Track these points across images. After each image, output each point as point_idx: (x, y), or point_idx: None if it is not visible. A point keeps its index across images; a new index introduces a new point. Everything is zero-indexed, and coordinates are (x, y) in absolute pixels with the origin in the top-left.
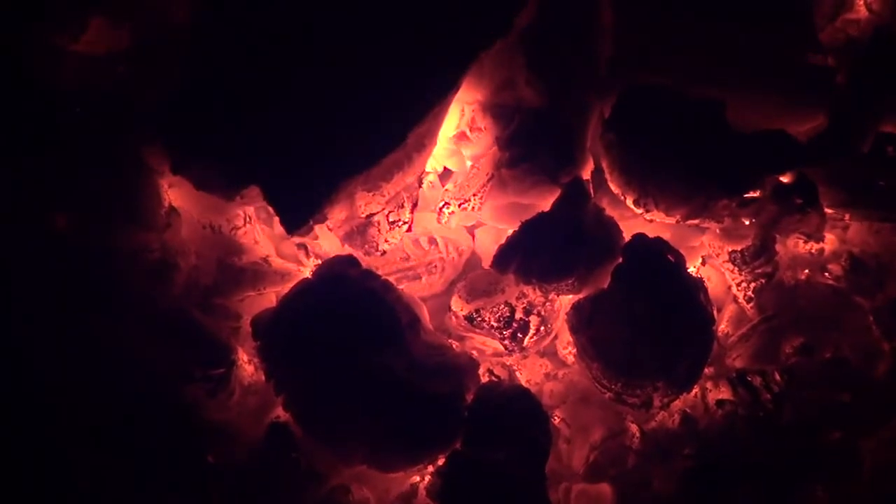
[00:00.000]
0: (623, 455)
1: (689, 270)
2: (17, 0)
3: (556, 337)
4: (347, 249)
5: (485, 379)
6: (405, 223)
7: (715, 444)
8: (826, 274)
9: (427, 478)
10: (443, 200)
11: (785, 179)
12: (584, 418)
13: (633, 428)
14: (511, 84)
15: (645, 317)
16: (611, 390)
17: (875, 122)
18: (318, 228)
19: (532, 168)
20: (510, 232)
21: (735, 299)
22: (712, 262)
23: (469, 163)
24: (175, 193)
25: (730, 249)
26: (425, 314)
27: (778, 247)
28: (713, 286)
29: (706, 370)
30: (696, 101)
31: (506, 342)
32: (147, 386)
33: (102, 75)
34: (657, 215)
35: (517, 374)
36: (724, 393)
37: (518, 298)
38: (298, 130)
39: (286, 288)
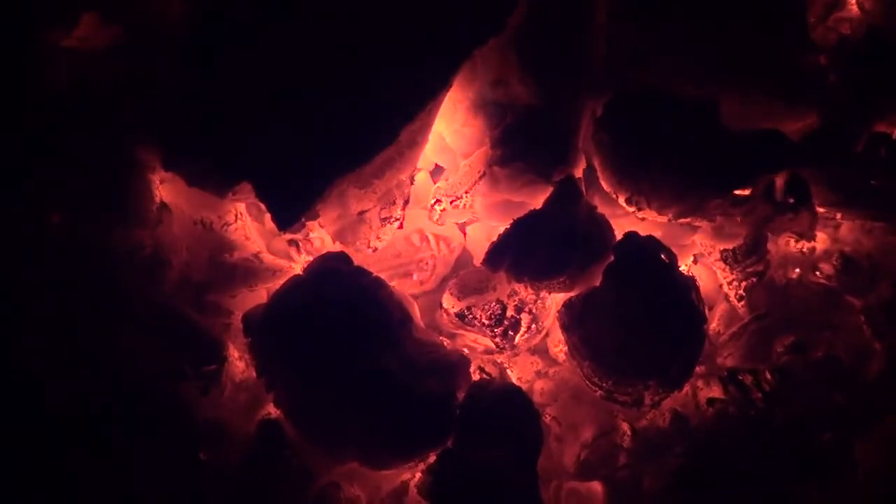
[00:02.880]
0: (614, 453)
1: (680, 269)
2: None
3: (547, 334)
4: (339, 246)
5: (475, 376)
6: (397, 220)
7: (706, 442)
8: (818, 273)
9: (418, 475)
10: (434, 197)
11: (777, 178)
12: (575, 416)
13: (624, 426)
14: (503, 82)
15: (636, 315)
16: (602, 388)
17: (867, 121)
18: (309, 225)
19: (524, 166)
20: (502, 229)
21: (726, 298)
22: (704, 260)
23: (461, 160)
24: (166, 189)
25: (721, 248)
26: (416, 311)
27: (769, 246)
28: (704, 285)
29: (697, 369)
30: (689, 100)
31: (497, 340)
32: (138, 382)
33: (94, 71)
34: (649, 214)
35: (508, 371)
36: (716, 391)
37: (509, 296)
38: (291, 127)
39: (277, 284)
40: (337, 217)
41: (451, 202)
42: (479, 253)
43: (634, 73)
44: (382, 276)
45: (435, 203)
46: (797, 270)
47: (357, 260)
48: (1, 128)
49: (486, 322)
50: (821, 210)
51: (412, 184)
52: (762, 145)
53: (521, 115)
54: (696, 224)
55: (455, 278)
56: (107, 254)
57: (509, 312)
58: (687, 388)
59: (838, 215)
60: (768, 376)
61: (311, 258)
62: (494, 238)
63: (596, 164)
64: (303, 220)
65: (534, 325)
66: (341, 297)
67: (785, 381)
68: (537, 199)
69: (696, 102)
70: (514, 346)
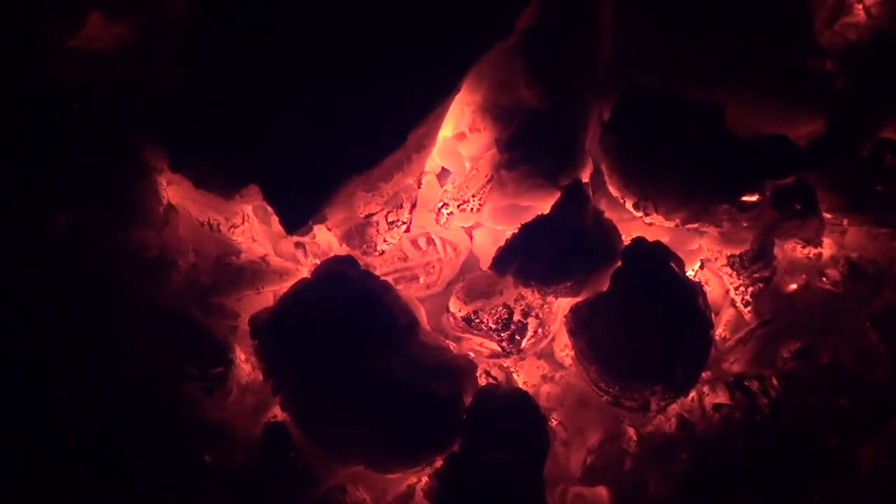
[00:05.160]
0: (620, 458)
1: (687, 274)
2: None
3: (553, 339)
4: (345, 249)
5: (482, 381)
6: (404, 223)
7: (712, 448)
8: (824, 279)
9: (424, 479)
10: (441, 201)
11: (784, 184)
12: (581, 421)
13: (631, 431)
14: (510, 85)
15: (643, 320)
16: (608, 393)
17: (874, 127)
18: (316, 228)
19: (531, 170)
20: (509, 234)
21: (733, 303)
22: (710, 265)
23: (468, 164)
24: (173, 191)
25: (728, 253)
26: (423, 315)
27: (776, 251)
28: (711, 290)
29: (704, 374)
30: (696, 104)
31: (503, 344)
32: (144, 384)
33: (101, 71)
34: (656, 219)
35: (514, 375)
36: (722, 397)
37: (516, 300)
38: (299, 130)
39: (284, 287)
40: (344, 220)
41: (459, 206)
42: (485, 257)
43: (641, 76)
44: (389, 279)
45: (442, 207)
46: (804, 276)
47: (363, 263)
48: (7, 128)
49: (493, 326)
50: (827, 216)
51: (419, 187)
52: (769, 151)
53: (528, 119)
54: (703, 229)
55: (462, 282)
56: (113, 255)
57: (516, 317)
58: (693, 393)
59: (845, 221)
60: (774, 382)
61: (317, 261)
62: (501, 242)
63: (603, 168)
64: (310, 222)
65: (540, 330)
66: (348, 301)
67: (791, 386)
68: (544, 204)
69: (703, 107)
70: (520, 351)
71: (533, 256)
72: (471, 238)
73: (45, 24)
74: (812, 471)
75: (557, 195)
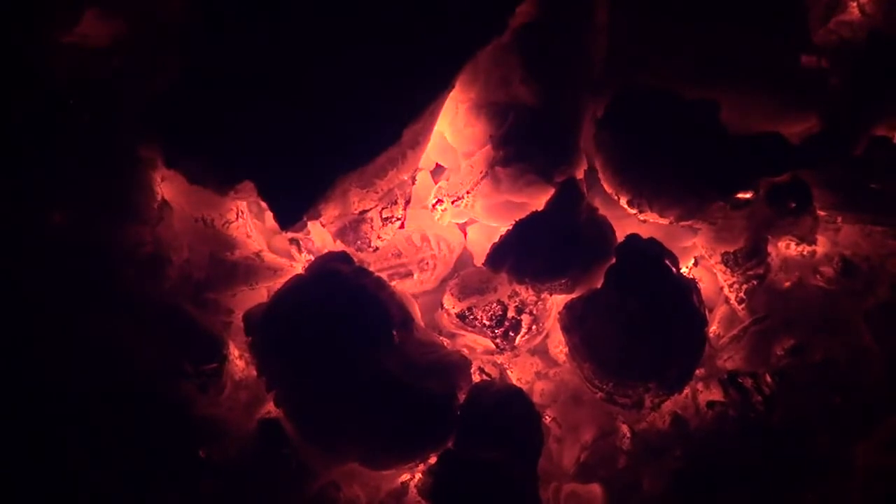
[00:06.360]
0: (613, 455)
1: (681, 271)
2: None
3: (547, 336)
4: (340, 245)
5: (476, 377)
6: (398, 220)
7: (705, 445)
8: (818, 276)
9: (418, 476)
10: (436, 197)
11: (778, 181)
12: (575, 418)
13: (624, 428)
14: (506, 82)
15: (638, 317)
16: (602, 390)
17: (868, 124)
18: (310, 224)
19: (526, 167)
20: (503, 230)
21: (727, 300)
22: (705, 263)
23: (463, 160)
24: (167, 187)
25: (722, 251)
26: (417, 312)
27: (770, 249)
28: (705, 287)
29: (697, 371)
30: (691, 102)
31: (497, 340)
32: (138, 380)
33: (96, 67)
34: (650, 216)
35: (508, 372)
36: (715, 394)
37: (510, 297)
38: (294, 126)
39: (278, 283)
40: (338, 216)
41: (453, 202)
42: (479, 253)
43: (636, 74)
44: (383, 275)
45: (436, 203)
46: (797, 273)
47: (358, 259)
48: (2, 124)
49: (487, 323)
50: (821, 213)
51: (414, 183)
52: (763, 148)
53: (523, 115)
54: (698, 226)
55: (456, 279)
56: (108, 251)
57: (510, 313)
58: (687, 390)
59: (839, 219)
60: (768, 379)
61: (312, 257)
62: (495, 239)
63: (597, 165)
64: (304, 219)
65: (534, 326)
66: (342, 298)
67: (785, 384)
68: (539, 200)
69: (697, 104)
70: (514, 347)
71: (527, 253)
72: (465, 234)
73: (41, 21)
74: (805, 469)
75: (552, 192)
